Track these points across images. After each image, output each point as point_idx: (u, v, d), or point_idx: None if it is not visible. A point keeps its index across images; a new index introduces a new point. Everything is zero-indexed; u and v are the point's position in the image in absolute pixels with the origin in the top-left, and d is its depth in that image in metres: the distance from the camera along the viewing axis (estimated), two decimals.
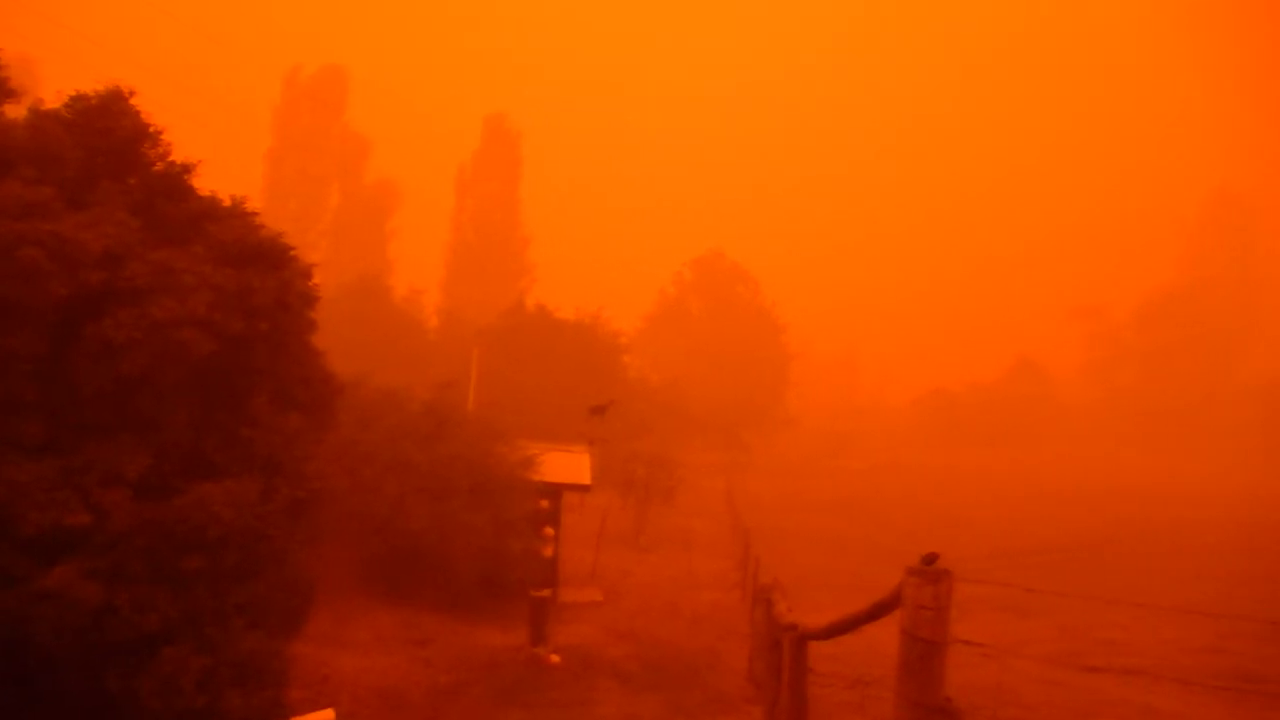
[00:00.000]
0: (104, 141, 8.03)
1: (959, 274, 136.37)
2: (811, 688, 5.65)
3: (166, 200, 8.13)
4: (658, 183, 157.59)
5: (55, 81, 9.47)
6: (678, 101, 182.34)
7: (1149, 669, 11.69)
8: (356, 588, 12.50)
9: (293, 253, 8.44)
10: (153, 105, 8.74)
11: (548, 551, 13.91)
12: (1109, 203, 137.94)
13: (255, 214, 8.59)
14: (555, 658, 10.38)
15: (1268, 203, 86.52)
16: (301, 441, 7.69)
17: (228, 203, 8.55)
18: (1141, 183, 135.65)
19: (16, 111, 8.14)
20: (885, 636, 4.30)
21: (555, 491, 14.53)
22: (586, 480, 15.06)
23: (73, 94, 8.20)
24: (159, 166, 8.33)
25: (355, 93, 62.22)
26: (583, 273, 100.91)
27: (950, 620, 3.06)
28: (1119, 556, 22.61)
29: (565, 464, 15.06)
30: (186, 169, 8.42)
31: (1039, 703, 10.00)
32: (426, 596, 12.56)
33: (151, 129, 8.34)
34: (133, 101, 8.38)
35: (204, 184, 8.64)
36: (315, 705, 7.93)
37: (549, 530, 13.96)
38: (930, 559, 3.17)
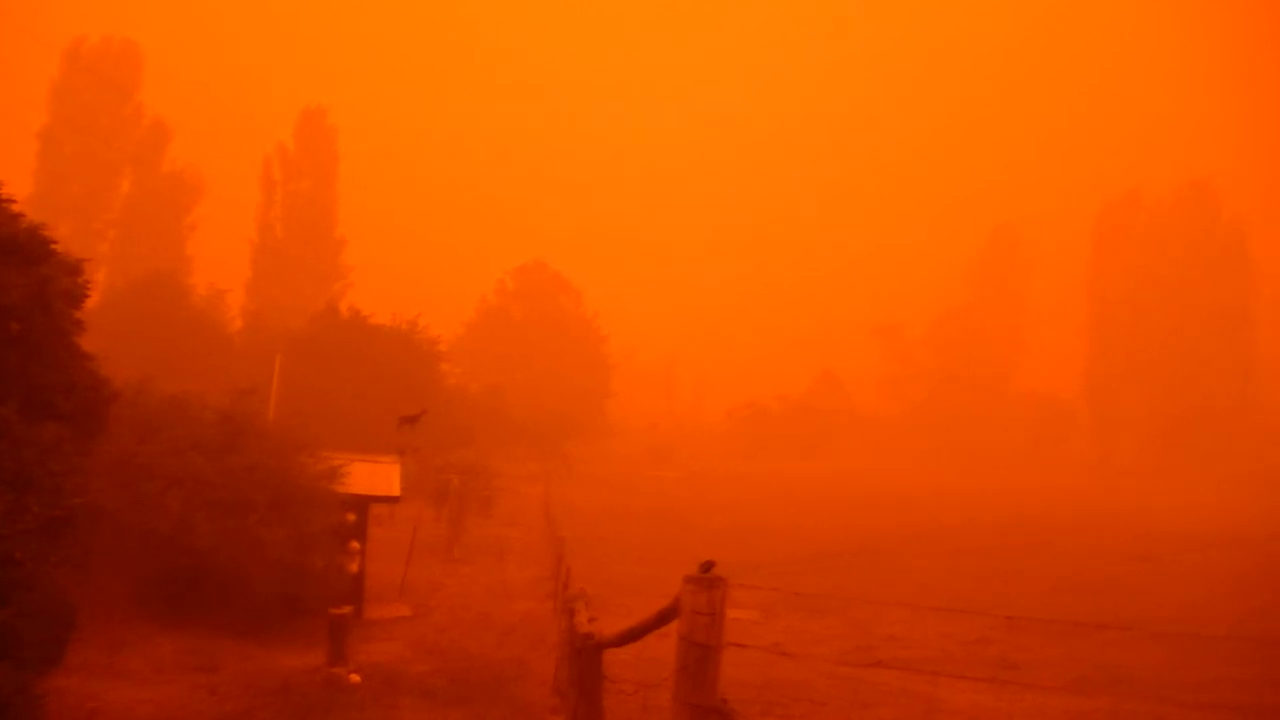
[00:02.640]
0: None
1: (773, 289, 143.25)
2: (609, 696, 5.74)
3: None
4: (482, 191, 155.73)
5: None
6: (505, 110, 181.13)
7: (927, 661, 12.70)
8: (134, 613, 11.50)
9: (55, 246, 7.61)
10: None
11: (353, 566, 13.35)
12: (906, 228, 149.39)
13: (10, 200, 7.68)
14: (355, 677, 9.97)
15: (1041, 238, 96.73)
16: (60, 454, 6.95)
17: None
18: (934, 212, 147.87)
19: None
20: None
21: (362, 504, 13.98)
22: (396, 492, 14.59)
23: None
24: None
25: (152, 73, 57.48)
26: (401, 278, 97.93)
27: (726, 624, 3.20)
28: (907, 558, 24.40)
29: (373, 475, 14.53)
30: None
31: (829, 697, 10.63)
32: (216, 619, 11.73)
33: None
34: None
35: None
36: None
37: (354, 544, 13.41)
38: (707, 567, 3.30)
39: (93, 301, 10.20)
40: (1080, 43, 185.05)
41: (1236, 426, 76.51)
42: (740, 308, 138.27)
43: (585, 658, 5.59)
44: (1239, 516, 39.72)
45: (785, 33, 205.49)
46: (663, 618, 3.79)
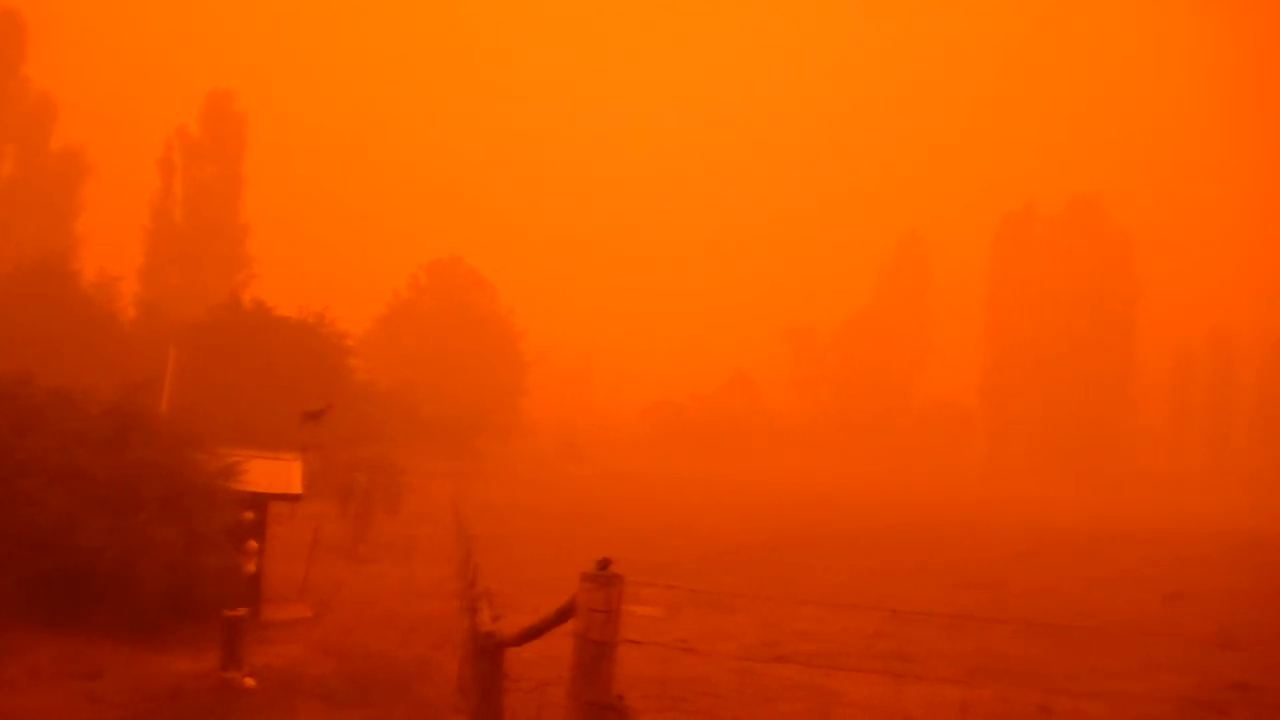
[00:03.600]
0: None
1: (688, 290, 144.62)
2: (510, 695, 5.72)
3: None
4: (398, 185, 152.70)
5: None
6: (423, 104, 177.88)
7: (828, 655, 13.04)
8: (10, 617, 10.87)
9: None
10: None
11: (250, 566, 12.89)
12: (819, 233, 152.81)
13: None
14: (250, 681, 9.64)
15: (947, 247, 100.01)
16: None
17: None
18: (846, 217, 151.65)
19: None
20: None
21: (261, 501, 13.52)
22: (297, 489, 14.17)
23: None
24: None
25: (40, 45, 54.37)
26: (310, 270, 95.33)
27: (634, 621, 3.23)
28: (813, 555, 24.99)
29: (274, 472, 14.08)
30: None
31: (731, 691, 10.81)
32: (101, 623, 11.17)
33: None
34: None
35: None
36: None
37: (252, 544, 12.95)
38: (604, 564, 3.33)
39: None
40: (985, 61, 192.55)
41: (1119, 430, 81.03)
42: (656, 308, 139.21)
43: (487, 657, 5.56)
44: (1120, 514, 42.01)
45: (701, 33, 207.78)
46: (561, 616, 3.80)
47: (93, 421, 12.51)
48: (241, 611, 9.99)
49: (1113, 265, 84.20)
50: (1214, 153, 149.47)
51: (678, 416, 79.85)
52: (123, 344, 32.07)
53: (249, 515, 13.06)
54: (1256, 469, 77.45)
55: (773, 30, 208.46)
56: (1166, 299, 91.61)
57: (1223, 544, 28.97)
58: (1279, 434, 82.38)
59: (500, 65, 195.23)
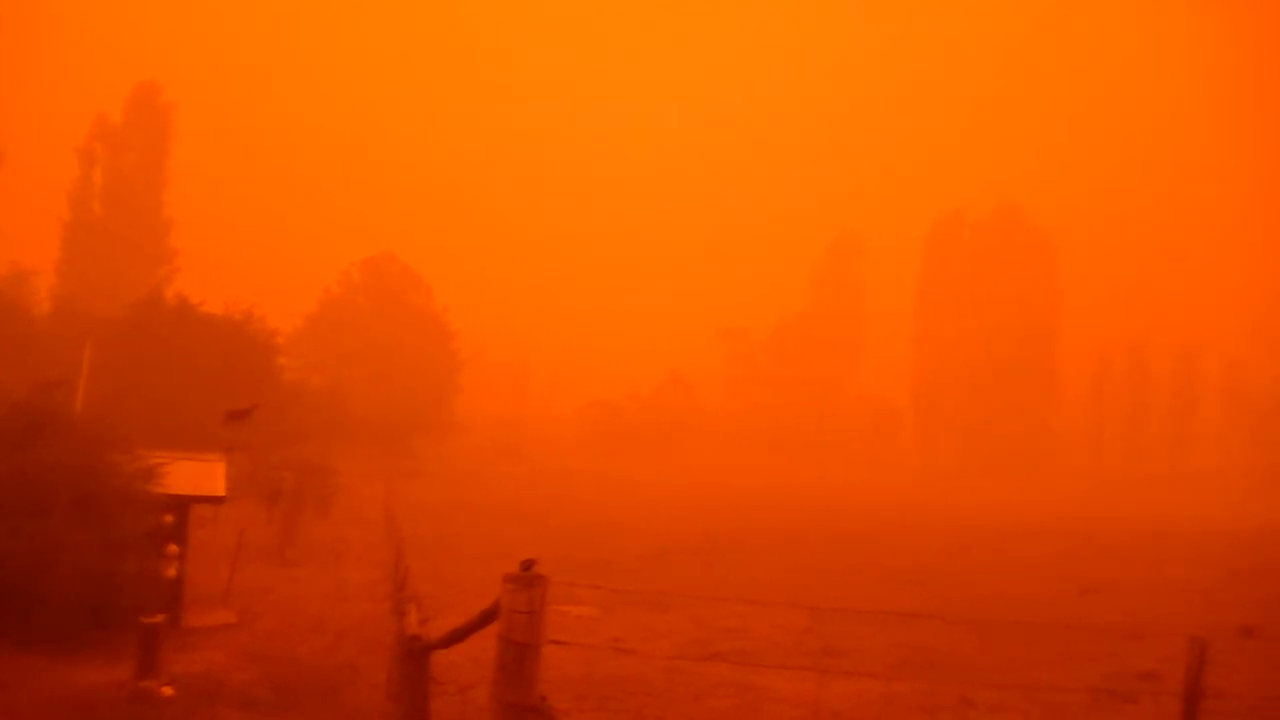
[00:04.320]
0: None
1: (625, 290, 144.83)
2: (437, 698, 5.65)
3: None
4: (332, 183, 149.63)
5: None
6: (357, 100, 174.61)
7: (760, 652, 13.21)
8: None
9: None
10: None
11: (170, 571, 12.50)
12: (754, 233, 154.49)
13: None
14: (168, 690, 9.34)
15: (880, 249, 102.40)
16: None
17: None
18: (781, 218, 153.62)
19: None
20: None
21: (182, 504, 13.13)
22: (220, 491, 13.78)
23: None
24: None
25: None
26: (241, 266, 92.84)
27: (552, 622, 3.23)
28: (747, 553, 25.26)
29: (196, 474, 13.67)
30: None
31: (663, 690, 10.87)
32: (7, 633, 10.70)
33: None
34: None
35: None
36: None
37: (172, 548, 12.57)
38: (527, 565, 3.32)
39: None
40: (920, 67, 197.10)
41: (1042, 429, 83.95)
42: (594, 308, 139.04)
43: (413, 660, 5.49)
44: (1042, 511, 43.45)
45: (631, 32, 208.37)
46: (486, 618, 3.77)
47: (0, 421, 12.00)
48: (159, 618, 9.68)
49: (1036, 269, 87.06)
50: (1143, 159, 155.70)
51: (614, 416, 79.92)
52: (36, 341, 30.78)
53: (169, 518, 12.66)
54: (1171, 467, 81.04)
55: (710, 36, 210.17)
56: (1090, 302, 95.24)
57: (1136, 539, 30.20)
58: (1192, 434, 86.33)
59: (437, 59, 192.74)
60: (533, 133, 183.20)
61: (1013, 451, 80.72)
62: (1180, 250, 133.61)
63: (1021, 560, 24.54)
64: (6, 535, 10.65)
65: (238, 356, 31.72)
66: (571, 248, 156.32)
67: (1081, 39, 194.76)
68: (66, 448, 12.01)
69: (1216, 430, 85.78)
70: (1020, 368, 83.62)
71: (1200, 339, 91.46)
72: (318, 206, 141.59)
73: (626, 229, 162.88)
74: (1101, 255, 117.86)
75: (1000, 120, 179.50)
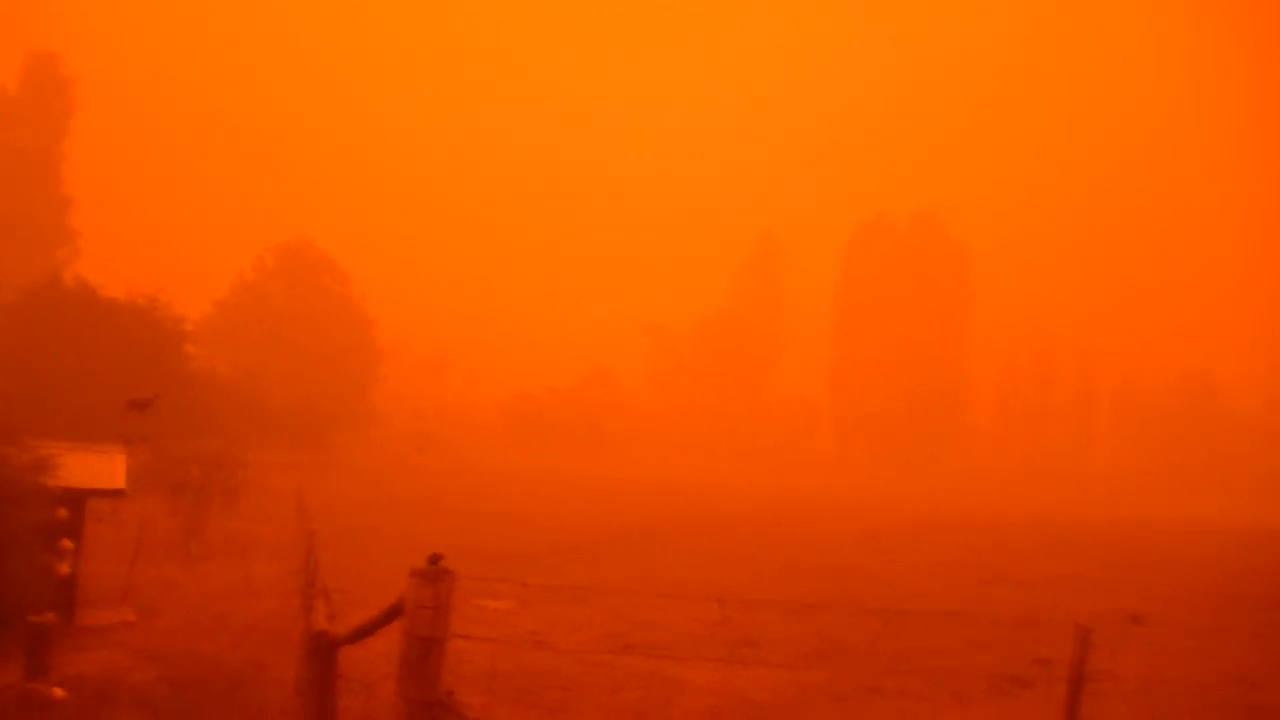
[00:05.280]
0: None
1: (547, 282, 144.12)
2: (345, 695, 5.56)
3: None
4: (245, 164, 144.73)
5: None
6: (274, 84, 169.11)
7: (675, 644, 13.35)
8: None
9: None
10: None
11: (63, 568, 11.96)
12: (680, 229, 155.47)
13: None
14: (59, 691, 8.95)
15: (800, 248, 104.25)
16: None
17: None
18: (705, 215, 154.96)
19: None
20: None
21: (78, 498, 12.56)
22: (120, 484, 13.23)
23: None
24: None
25: None
26: (145, 249, 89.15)
27: (450, 617, 3.21)
28: (665, 547, 25.46)
29: (93, 466, 13.09)
30: None
31: (579, 683, 10.91)
32: None
33: None
34: None
35: None
36: None
37: (66, 543, 12.02)
38: (435, 559, 3.30)
39: None
40: (846, 72, 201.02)
41: (952, 427, 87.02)
42: (516, 302, 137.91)
43: (320, 657, 5.39)
44: (949, 507, 44.96)
45: (545, 30, 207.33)
46: (393, 613, 3.73)
47: None
48: (49, 616, 9.26)
49: (949, 273, 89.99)
50: (1054, 169, 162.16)
51: (535, 409, 79.41)
52: None
53: (62, 512, 12.10)
54: (1070, 465, 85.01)
55: (629, 36, 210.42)
56: (999, 308, 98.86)
57: (1034, 534, 31.57)
58: (1090, 434, 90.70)
59: (355, 39, 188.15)
60: (454, 123, 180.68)
61: (925, 449, 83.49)
62: (1085, 260, 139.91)
63: (928, 553, 25.38)
64: None
65: (141, 344, 30.43)
66: (495, 241, 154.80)
67: (1001, 50, 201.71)
68: None
69: (1111, 431, 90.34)
70: (933, 369, 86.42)
71: (1099, 345, 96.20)
72: (232, 191, 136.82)
73: (552, 222, 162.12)
74: (1012, 262, 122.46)
75: (924, 127, 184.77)
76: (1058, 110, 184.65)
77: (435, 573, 3.24)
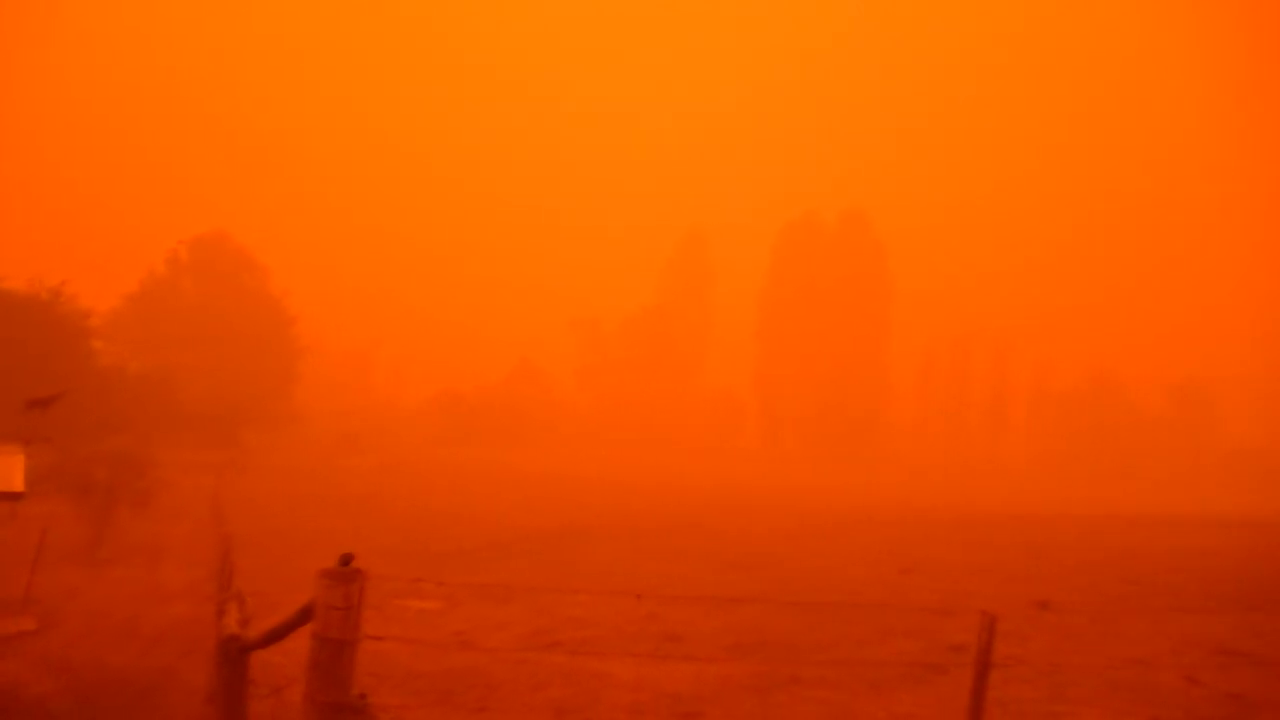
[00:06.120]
0: None
1: (476, 278, 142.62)
2: (256, 700, 5.41)
3: None
4: (158, 156, 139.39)
5: None
6: (193, 76, 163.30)
7: (601, 640, 13.37)
8: None
9: None
10: None
11: None
12: (608, 226, 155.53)
13: None
14: None
15: (726, 243, 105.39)
16: None
17: None
18: (634, 211, 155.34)
19: None
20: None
21: None
22: (18, 486, 12.66)
23: None
24: None
25: None
26: (48, 240, 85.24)
27: (362, 618, 3.16)
28: (593, 543, 25.47)
29: None
30: None
31: (503, 681, 10.83)
32: None
33: None
34: None
35: None
36: None
37: None
38: (346, 560, 3.24)
39: None
40: (780, 75, 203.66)
41: (873, 420, 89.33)
42: (442, 299, 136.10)
43: (231, 662, 5.24)
44: (868, 499, 46.07)
45: (476, 30, 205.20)
46: (305, 615, 3.65)
47: None
48: None
49: (873, 271, 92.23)
50: (971, 170, 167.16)
51: (462, 406, 78.55)
52: None
53: None
54: (986, 455, 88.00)
55: (559, 35, 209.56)
56: (918, 303, 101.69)
57: (952, 523, 32.56)
58: (1005, 425, 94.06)
59: (281, 33, 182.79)
60: (380, 119, 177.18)
61: (847, 441, 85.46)
62: (999, 255, 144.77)
63: (847, 544, 25.96)
64: None
65: (43, 339, 29.09)
66: (423, 238, 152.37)
67: (930, 52, 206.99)
68: None
69: (1026, 422, 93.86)
70: (855, 363, 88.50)
71: (1014, 338, 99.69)
72: (144, 183, 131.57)
73: (482, 220, 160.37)
74: (930, 258, 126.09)
75: (853, 127, 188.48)
76: (977, 116, 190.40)
77: (346, 573, 3.18)
